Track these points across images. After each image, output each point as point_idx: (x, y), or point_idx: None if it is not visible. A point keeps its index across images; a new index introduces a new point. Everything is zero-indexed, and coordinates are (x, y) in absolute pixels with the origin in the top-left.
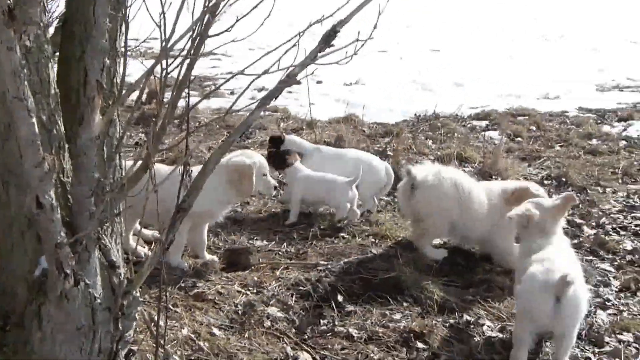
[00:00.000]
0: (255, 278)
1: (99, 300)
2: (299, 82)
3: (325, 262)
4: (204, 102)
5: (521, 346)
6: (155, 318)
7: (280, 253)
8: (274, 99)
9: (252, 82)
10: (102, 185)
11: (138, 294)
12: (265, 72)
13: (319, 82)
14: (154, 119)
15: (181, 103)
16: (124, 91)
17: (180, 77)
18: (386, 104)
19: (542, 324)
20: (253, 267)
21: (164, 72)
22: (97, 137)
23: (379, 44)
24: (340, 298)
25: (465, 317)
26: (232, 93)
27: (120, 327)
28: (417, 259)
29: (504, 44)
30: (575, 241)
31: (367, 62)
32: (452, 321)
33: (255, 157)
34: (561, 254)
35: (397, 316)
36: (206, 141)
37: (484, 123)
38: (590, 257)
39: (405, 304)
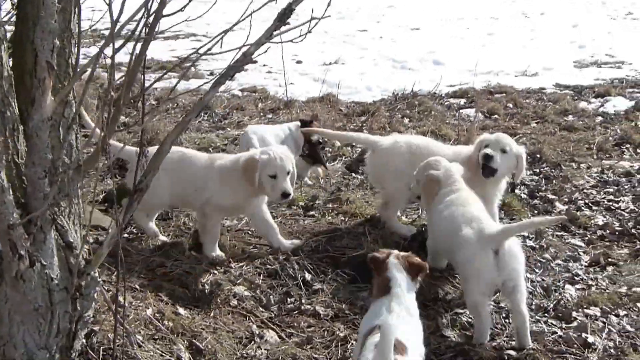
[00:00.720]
0: (223, 257)
1: (56, 281)
2: (254, 61)
3: (296, 241)
4: (183, 83)
5: (482, 313)
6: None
7: (249, 232)
8: (229, 78)
9: (195, 61)
10: (56, 166)
11: (97, 274)
12: (208, 52)
13: (298, 62)
14: (106, 101)
15: (162, 84)
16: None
17: (134, 58)
18: (365, 83)
19: (490, 281)
20: (220, 247)
21: (114, 53)
22: (50, 118)
23: (359, 23)
24: (308, 276)
25: (433, 293)
26: (211, 74)
27: (79, 308)
28: (386, 237)
29: (484, 21)
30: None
31: (346, 42)
32: (420, 297)
33: (272, 154)
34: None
35: (365, 294)
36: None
37: (461, 101)
38: (562, 233)
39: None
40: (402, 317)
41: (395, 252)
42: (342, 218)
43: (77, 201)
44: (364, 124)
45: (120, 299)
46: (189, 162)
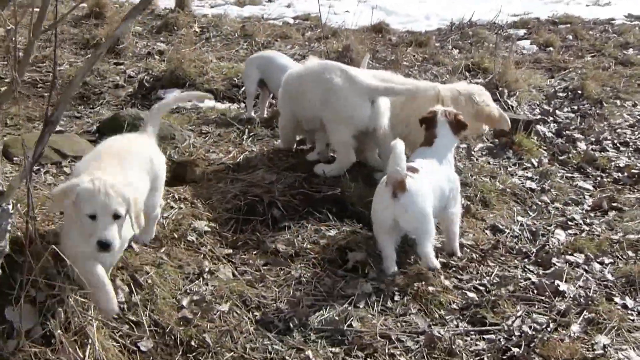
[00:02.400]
0: (194, 191)
1: None
2: None
3: (272, 177)
4: (236, 10)
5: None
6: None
7: (231, 166)
8: (148, 4)
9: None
10: None
11: (10, 207)
12: None
13: None
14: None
15: None
16: None
17: None
18: (424, 11)
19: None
20: (197, 181)
21: None
22: None
23: None
24: (277, 213)
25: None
26: (269, 1)
27: None
28: (367, 174)
29: None
30: (562, 157)
31: None
32: None
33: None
34: None
35: (332, 232)
36: (222, 51)
37: (521, 32)
38: (574, 174)
39: (346, 220)
40: (429, 161)
41: (442, 109)
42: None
43: None
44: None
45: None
46: None
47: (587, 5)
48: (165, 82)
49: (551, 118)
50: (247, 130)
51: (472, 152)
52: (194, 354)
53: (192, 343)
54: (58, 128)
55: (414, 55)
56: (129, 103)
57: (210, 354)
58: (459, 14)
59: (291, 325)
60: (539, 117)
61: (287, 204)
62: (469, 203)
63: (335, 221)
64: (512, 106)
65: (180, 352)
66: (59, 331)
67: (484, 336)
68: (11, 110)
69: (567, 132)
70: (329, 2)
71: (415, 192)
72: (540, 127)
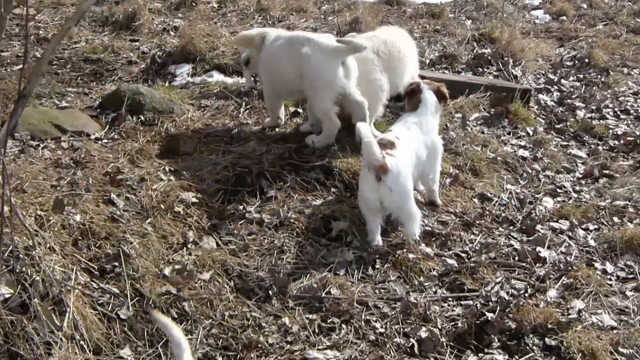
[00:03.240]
0: (185, 164)
1: None
2: None
3: (263, 148)
4: None
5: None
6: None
7: (224, 138)
8: None
9: None
10: None
11: None
12: None
13: None
14: None
15: None
16: None
17: None
18: None
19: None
20: (190, 153)
21: None
22: None
23: None
24: (264, 183)
25: None
26: None
27: None
28: (355, 144)
29: None
30: (560, 126)
31: None
32: None
33: None
34: None
35: (318, 202)
36: (236, 26)
37: (537, 1)
38: (570, 142)
39: (333, 189)
40: (409, 128)
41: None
42: None
43: None
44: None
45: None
46: None
47: None
48: (176, 57)
49: (555, 87)
50: (244, 103)
51: (467, 122)
52: (174, 322)
53: (172, 311)
54: (63, 104)
55: (426, 27)
56: (140, 79)
57: (189, 322)
58: None
59: (270, 292)
60: (542, 86)
61: (276, 174)
62: (457, 172)
63: (322, 191)
64: (515, 75)
65: None
66: (36, 300)
67: (462, 302)
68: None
69: (569, 100)
70: None
71: (397, 171)
72: (542, 96)
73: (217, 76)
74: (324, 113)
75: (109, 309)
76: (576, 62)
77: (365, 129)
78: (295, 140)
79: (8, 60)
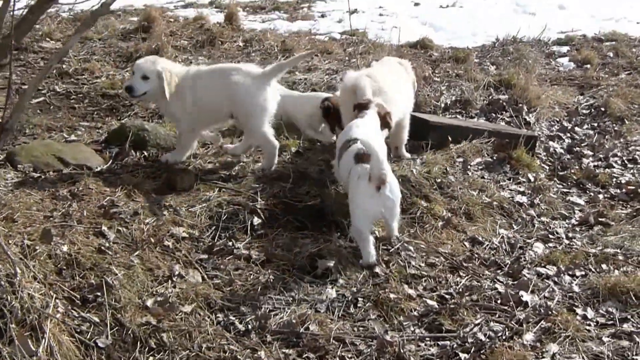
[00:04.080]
0: (181, 199)
1: None
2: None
3: (258, 186)
4: (286, 24)
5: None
6: None
7: (223, 176)
8: (89, 28)
9: None
10: None
11: None
12: None
13: (416, 4)
14: None
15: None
16: None
17: None
18: (472, 28)
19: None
20: (187, 189)
21: None
22: None
23: None
24: (256, 221)
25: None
26: (322, 16)
27: None
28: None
29: None
30: (563, 173)
31: None
32: (355, 245)
33: None
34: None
35: (307, 241)
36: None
37: (565, 49)
38: (571, 190)
39: (324, 229)
40: (373, 137)
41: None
42: (321, 167)
43: None
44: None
45: None
46: None
47: (637, 23)
48: None
49: (568, 135)
50: None
51: (469, 166)
52: (151, 352)
53: (151, 341)
54: (72, 137)
55: (448, 71)
56: (156, 115)
57: (166, 352)
58: (508, 30)
59: (249, 327)
60: (554, 133)
61: (269, 212)
62: (450, 215)
63: (312, 230)
64: (528, 122)
65: (138, 349)
66: (13, 325)
67: (439, 342)
68: (34, 120)
69: (577, 148)
70: (382, 18)
71: (392, 182)
72: (552, 143)
73: None
74: (262, 137)
75: (88, 337)
76: (592, 110)
77: (373, 145)
78: (290, 180)
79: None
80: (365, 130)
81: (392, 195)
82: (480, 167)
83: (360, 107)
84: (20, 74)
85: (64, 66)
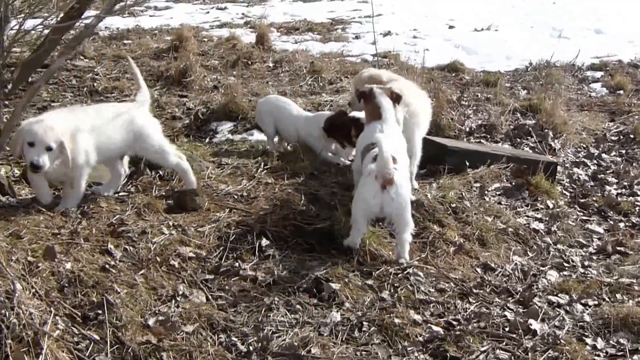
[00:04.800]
0: (190, 219)
1: None
2: (95, 33)
3: (269, 208)
4: (319, 46)
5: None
6: None
7: (235, 196)
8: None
9: None
10: None
11: None
12: None
13: (451, 27)
14: None
15: None
16: None
17: None
18: (506, 51)
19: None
20: (197, 210)
21: None
22: None
23: None
24: (264, 242)
25: (392, 269)
26: (356, 37)
27: None
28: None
29: None
30: (584, 200)
31: (514, 6)
32: (364, 269)
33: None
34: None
35: (315, 263)
36: (286, 86)
37: (599, 74)
38: (593, 218)
39: (333, 251)
40: (390, 136)
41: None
42: (334, 189)
43: None
44: (463, 95)
45: None
46: None
47: None
48: (219, 114)
49: (594, 161)
50: (263, 163)
51: (486, 192)
52: None
53: None
54: None
55: (477, 95)
56: (182, 134)
57: None
58: (543, 55)
59: (251, 348)
60: (580, 159)
61: (278, 234)
62: (463, 240)
63: (321, 253)
64: (553, 148)
65: None
66: (9, 340)
67: None
68: None
69: (602, 175)
70: (415, 40)
71: (400, 184)
72: (576, 170)
73: (257, 135)
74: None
75: (87, 354)
76: (622, 137)
77: (384, 142)
78: (302, 202)
79: None
80: (385, 135)
81: (398, 197)
82: (498, 193)
83: (365, 96)
84: (51, 91)
85: (94, 84)
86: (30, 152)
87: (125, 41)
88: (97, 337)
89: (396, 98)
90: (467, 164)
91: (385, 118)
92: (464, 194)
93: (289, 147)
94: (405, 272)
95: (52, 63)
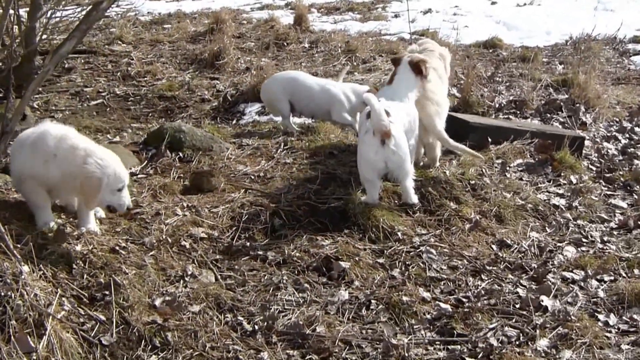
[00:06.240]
0: (205, 200)
1: None
2: (106, 16)
3: (284, 188)
4: (358, 25)
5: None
6: None
7: (252, 177)
8: (85, 34)
9: None
10: None
11: None
12: None
13: (493, 3)
14: None
15: None
16: None
17: None
18: (547, 26)
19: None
20: (213, 190)
21: None
22: None
23: None
24: (277, 222)
25: (405, 248)
26: (395, 16)
27: None
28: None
29: None
30: (610, 174)
31: None
32: (376, 247)
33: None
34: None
35: (326, 242)
36: (319, 66)
37: None
38: (617, 193)
39: (346, 231)
40: (392, 99)
41: (414, 54)
42: (353, 167)
43: None
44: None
45: None
46: None
47: None
48: (248, 96)
49: (626, 135)
50: (283, 144)
51: (508, 168)
52: (155, 350)
53: (155, 340)
54: (117, 139)
55: (512, 71)
56: (209, 116)
57: (170, 351)
58: (584, 29)
59: (256, 327)
60: (612, 133)
61: (291, 214)
62: (479, 217)
63: (333, 231)
64: (584, 122)
65: (141, 348)
66: (13, 321)
67: (448, 346)
68: (84, 122)
69: (632, 149)
70: (455, 17)
71: (398, 136)
72: (606, 144)
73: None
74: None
75: (92, 335)
76: None
77: (373, 98)
78: (318, 181)
79: (88, 96)
80: (387, 93)
81: (398, 150)
82: (520, 169)
83: (395, 61)
84: (86, 77)
85: (129, 68)
86: (123, 197)
87: (165, 25)
88: (103, 318)
89: (419, 69)
90: (490, 140)
91: (394, 85)
92: (484, 170)
93: (312, 122)
94: (417, 250)
95: (61, 47)
